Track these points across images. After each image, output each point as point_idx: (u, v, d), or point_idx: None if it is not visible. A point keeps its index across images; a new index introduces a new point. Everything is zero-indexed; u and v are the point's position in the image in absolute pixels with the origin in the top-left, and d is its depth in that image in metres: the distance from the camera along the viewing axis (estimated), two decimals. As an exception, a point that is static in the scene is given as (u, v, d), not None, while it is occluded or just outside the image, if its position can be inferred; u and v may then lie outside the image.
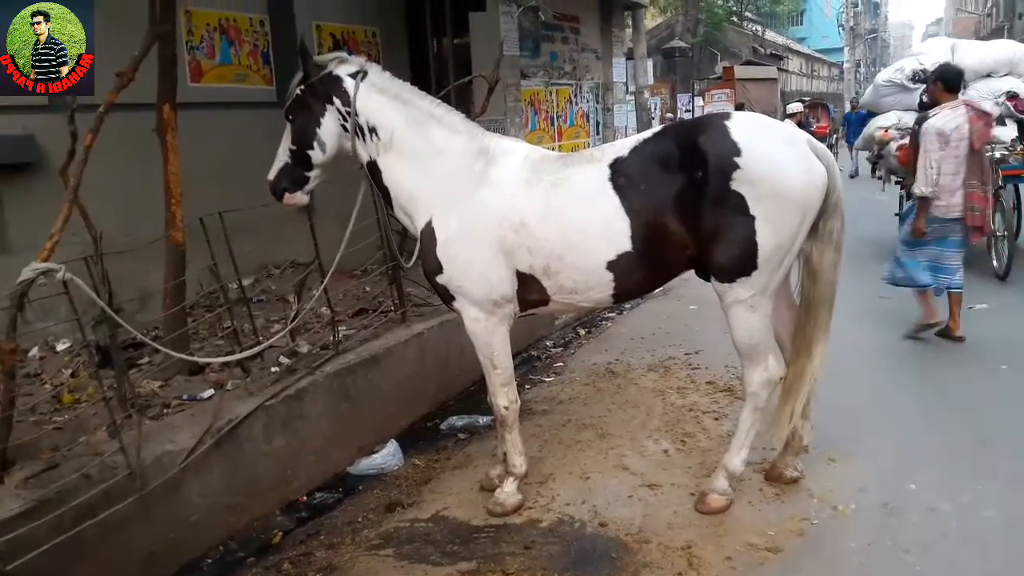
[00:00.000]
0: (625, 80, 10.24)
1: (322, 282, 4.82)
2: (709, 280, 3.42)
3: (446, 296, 3.61)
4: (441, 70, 7.76)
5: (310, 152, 3.60)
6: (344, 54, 3.66)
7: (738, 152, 3.11)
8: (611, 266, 3.31)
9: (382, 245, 5.43)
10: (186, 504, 3.61)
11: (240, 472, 3.91)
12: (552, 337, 6.93)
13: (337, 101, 3.53)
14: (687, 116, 21.92)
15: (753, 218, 3.12)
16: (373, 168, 3.62)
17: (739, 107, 17.31)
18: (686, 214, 3.18)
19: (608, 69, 9.76)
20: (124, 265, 4.19)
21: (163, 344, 4.07)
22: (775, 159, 3.14)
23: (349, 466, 4.59)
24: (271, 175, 3.70)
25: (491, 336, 3.59)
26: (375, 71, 3.58)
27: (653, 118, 13.87)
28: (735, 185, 3.11)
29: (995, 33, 39.55)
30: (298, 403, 4.31)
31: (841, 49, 51.10)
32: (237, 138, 6.46)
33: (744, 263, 3.19)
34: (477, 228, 3.42)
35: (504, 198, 3.41)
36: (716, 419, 4.62)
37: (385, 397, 5.00)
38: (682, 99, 23.02)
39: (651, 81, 14.67)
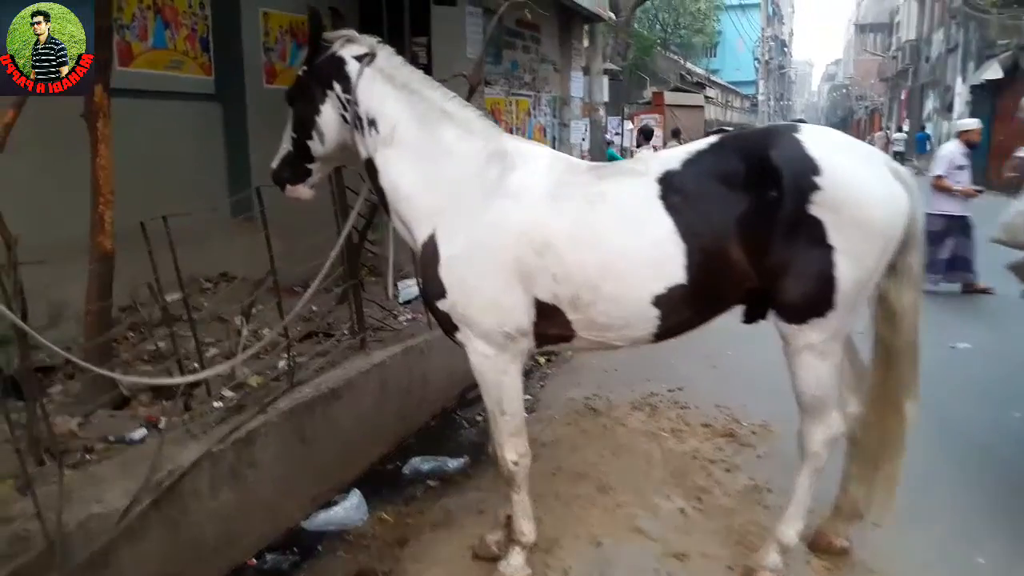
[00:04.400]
0: (582, 95, 9.83)
1: (278, 301, 4.18)
2: (760, 319, 2.96)
3: (448, 325, 3.03)
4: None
5: (309, 142, 3.13)
6: (353, 32, 3.10)
7: (817, 170, 2.66)
8: (659, 301, 2.79)
9: (343, 260, 4.78)
10: (116, 580, 2.89)
11: (182, 534, 3.22)
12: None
13: (338, 87, 3.01)
14: (616, 139, 21.87)
15: (831, 248, 2.67)
16: (370, 166, 3.08)
17: (675, 132, 17.17)
18: (752, 241, 2.71)
19: (566, 83, 9.33)
20: (33, 274, 3.50)
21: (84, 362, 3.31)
22: (858, 180, 2.70)
23: (304, 520, 3.93)
24: (274, 163, 3.25)
25: (501, 376, 3.02)
26: (385, 54, 3.04)
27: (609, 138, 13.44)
28: (813, 209, 2.65)
29: (900, 75, 41.65)
30: (248, 448, 3.64)
31: (751, 82, 53.09)
32: (168, 132, 5.72)
33: (819, 301, 2.74)
34: (490, 245, 2.87)
35: (525, 212, 2.86)
36: (727, 471, 4.17)
37: (344, 437, 4.36)
38: (612, 122, 22.93)
39: (606, 98, 14.30)
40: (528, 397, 5.64)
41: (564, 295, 2.86)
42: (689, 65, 36.95)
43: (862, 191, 2.68)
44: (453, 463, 4.59)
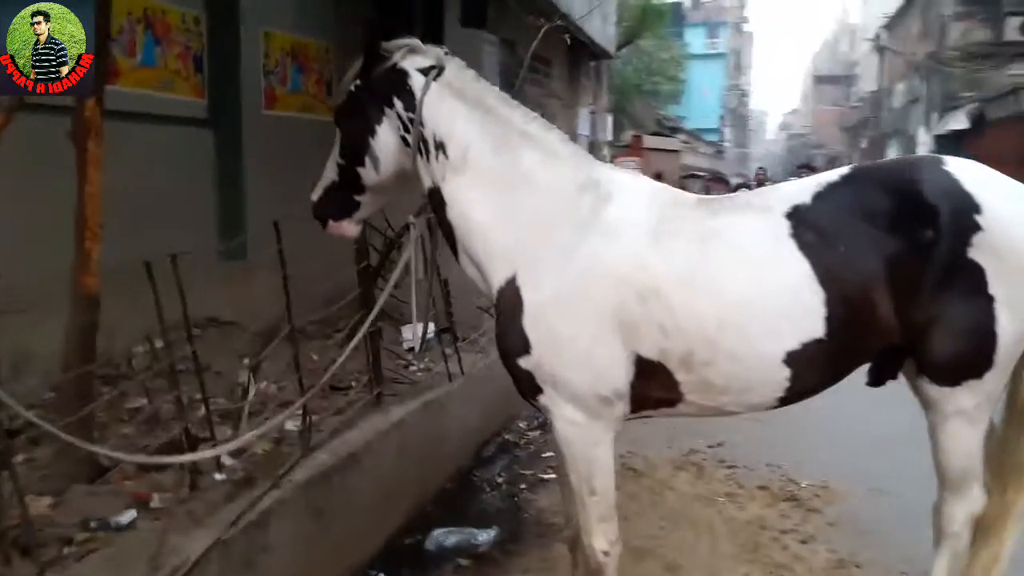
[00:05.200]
0: (588, 133, 9.47)
1: (295, 354, 3.61)
2: (891, 379, 2.52)
3: (530, 387, 2.50)
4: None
5: (360, 169, 2.66)
6: (416, 41, 2.62)
7: (977, 208, 2.27)
8: (792, 358, 2.33)
9: (360, 304, 4.22)
10: None
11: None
12: (524, 417, 5.79)
13: (398, 104, 2.56)
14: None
15: (992, 299, 2.27)
16: (436, 197, 2.60)
17: (657, 176, 16.93)
18: (902, 287, 2.29)
19: (572, 120, 8.95)
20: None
21: (63, 432, 2.67)
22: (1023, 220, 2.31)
23: (321, 613, 3.31)
24: (314, 195, 2.79)
25: (592, 448, 2.52)
26: (454, 67, 2.58)
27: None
28: (973, 253, 2.26)
29: (861, 125, 42.64)
30: (262, 532, 3.02)
31: (715, 130, 54.18)
32: (155, 160, 5.11)
33: (976, 360, 2.33)
34: (584, 291, 2.40)
35: (625, 251, 2.40)
36: (803, 542, 3.74)
37: (361, 508, 3.78)
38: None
39: (610, 137, 14.01)
40: (552, 454, 5.09)
41: (674, 351, 2.39)
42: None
43: None
44: (483, 536, 4.01)
